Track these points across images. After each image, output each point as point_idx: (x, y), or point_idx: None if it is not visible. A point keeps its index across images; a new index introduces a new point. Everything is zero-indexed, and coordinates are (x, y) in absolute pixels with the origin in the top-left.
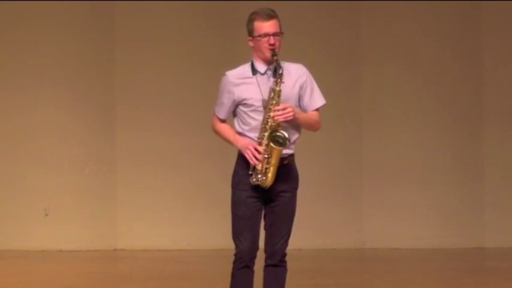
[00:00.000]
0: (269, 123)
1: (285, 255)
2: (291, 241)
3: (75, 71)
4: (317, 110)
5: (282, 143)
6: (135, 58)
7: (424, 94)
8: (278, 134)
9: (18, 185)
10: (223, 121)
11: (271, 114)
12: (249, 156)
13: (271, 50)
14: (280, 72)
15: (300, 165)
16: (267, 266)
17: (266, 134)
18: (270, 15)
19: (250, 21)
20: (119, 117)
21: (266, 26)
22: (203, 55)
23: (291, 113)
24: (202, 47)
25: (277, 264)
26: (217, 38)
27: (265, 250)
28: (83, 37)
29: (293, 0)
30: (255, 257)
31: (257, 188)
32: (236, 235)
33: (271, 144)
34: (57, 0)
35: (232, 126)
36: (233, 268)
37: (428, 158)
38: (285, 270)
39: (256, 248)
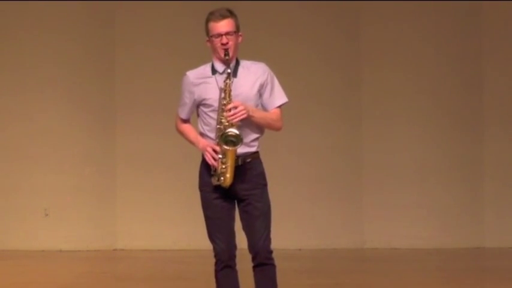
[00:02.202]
0: (223, 124)
1: (270, 252)
2: (291, 241)
3: (76, 74)
4: (278, 108)
5: (235, 141)
6: (135, 61)
7: (424, 95)
8: (229, 133)
9: (19, 185)
10: (185, 121)
11: (224, 114)
12: (207, 157)
13: (224, 49)
14: (228, 71)
15: (300, 165)
16: (254, 266)
17: (219, 134)
18: (223, 15)
19: (206, 22)
20: (119, 119)
21: (218, 26)
22: (202, 59)
23: (244, 111)
24: (202, 51)
25: (264, 262)
26: None
27: (250, 251)
28: (82, 41)
29: (293, 0)
30: (234, 256)
31: (223, 188)
32: (211, 237)
33: (224, 146)
34: (57, 1)
35: (196, 127)
36: (215, 270)
37: (428, 158)
38: (274, 267)
39: (233, 246)
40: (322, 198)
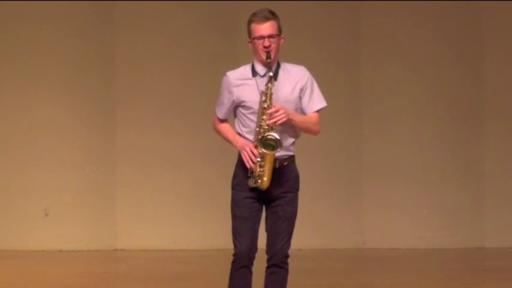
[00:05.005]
0: (262, 127)
1: (287, 256)
2: (291, 241)
3: (76, 71)
4: (317, 112)
5: (274, 145)
6: (135, 58)
7: (424, 94)
8: (269, 137)
9: (18, 185)
10: (223, 121)
11: (264, 117)
12: (245, 158)
13: (266, 52)
14: (270, 74)
15: (300, 165)
16: (268, 267)
17: (259, 137)
18: (267, 17)
19: (248, 23)
20: (119, 118)
21: (262, 28)
22: (203, 55)
23: (283, 115)
24: (203, 47)
25: (279, 265)
26: (217, 38)
27: (267, 252)
28: (83, 37)
29: (293, 0)
30: (253, 257)
31: (257, 189)
32: (235, 235)
33: (262, 149)
34: (57, 0)
35: (233, 126)
36: (231, 268)
37: (428, 157)
38: (286, 272)
39: (255, 249)
40: (322, 198)
